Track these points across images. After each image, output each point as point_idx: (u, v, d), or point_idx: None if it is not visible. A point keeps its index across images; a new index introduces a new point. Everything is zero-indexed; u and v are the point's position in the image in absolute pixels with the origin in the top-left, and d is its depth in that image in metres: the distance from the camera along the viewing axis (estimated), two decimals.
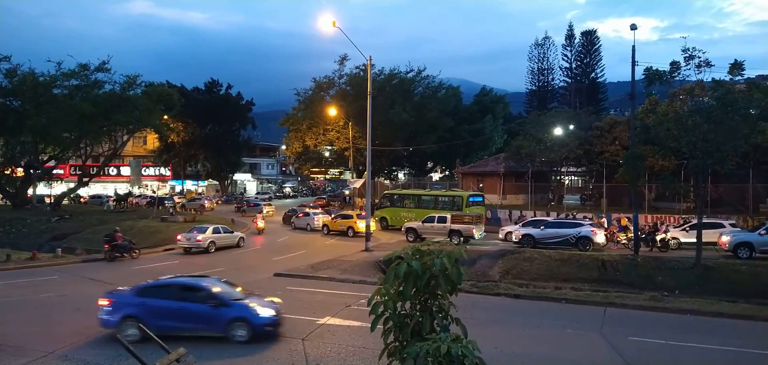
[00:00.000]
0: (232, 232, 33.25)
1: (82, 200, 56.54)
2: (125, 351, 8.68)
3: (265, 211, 47.90)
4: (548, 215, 36.80)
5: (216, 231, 31.21)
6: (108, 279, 21.60)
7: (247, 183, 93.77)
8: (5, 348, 12.02)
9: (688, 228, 27.77)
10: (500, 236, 32.57)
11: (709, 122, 20.60)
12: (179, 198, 63.27)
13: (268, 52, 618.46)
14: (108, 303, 13.07)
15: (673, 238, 27.67)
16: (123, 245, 27.57)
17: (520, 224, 33.34)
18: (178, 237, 30.62)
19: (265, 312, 13.00)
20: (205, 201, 57.27)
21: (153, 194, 66.30)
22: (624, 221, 30.50)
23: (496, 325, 14.85)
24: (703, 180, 22.98)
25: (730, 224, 27.62)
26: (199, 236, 29.94)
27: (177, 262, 26.70)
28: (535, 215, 36.51)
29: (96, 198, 61.30)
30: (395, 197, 42.54)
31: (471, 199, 37.92)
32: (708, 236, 24.07)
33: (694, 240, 22.39)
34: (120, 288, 14.64)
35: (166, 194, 67.07)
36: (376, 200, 45.71)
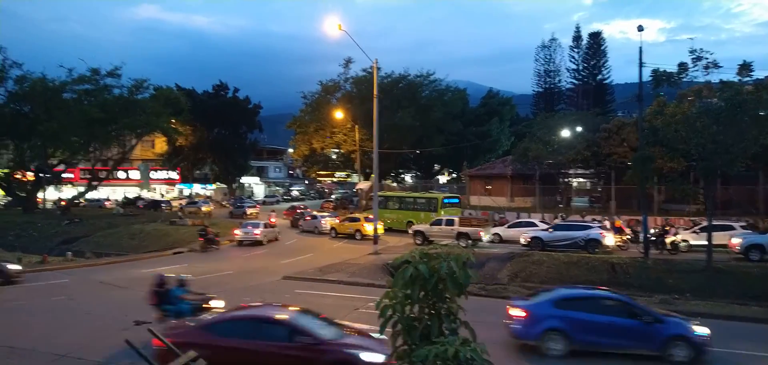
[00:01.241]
0: (275, 227, 37.86)
1: (63, 202, 55.52)
2: (136, 354, 8.72)
3: (248, 212, 50.61)
4: (556, 217, 37.00)
5: (265, 227, 35.88)
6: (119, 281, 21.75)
7: (255, 186, 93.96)
8: (18, 352, 12.14)
9: (698, 231, 27.58)
10: (486, 238, 32.92)
11: (718, 124, 20.46)
12: (177, 201, 63.38)
13: (274, 56, 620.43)
14: (525, 315, 12.75)
15: (683, 240, 27.49)
16: (211, 238, 32.41)
17: (506, 225, 34.39)
18: (235, 232, 35.08)
19: (700, 329, 12.21)
20: (203, 206, 57.09)
21: (161, 198, 66.70)
22: (618, 224, 30.84)
23: (505, 329, 14.79)
24: (712, 182, 22.84)
25: (740, 227, 27.41)
26: (256, 231, 34.56)
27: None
28: (542, 218, 36.50)
29: (95, 202, 61.19)
30: (380, 199, 43.12)
31: (446, 200, 40.24)
32: (718, 238, 23.88)
33: (704, 242, 22.25)
34: (530, 299, 14.01)
35: (165, 198, 67.15)
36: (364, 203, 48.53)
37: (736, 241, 24.41)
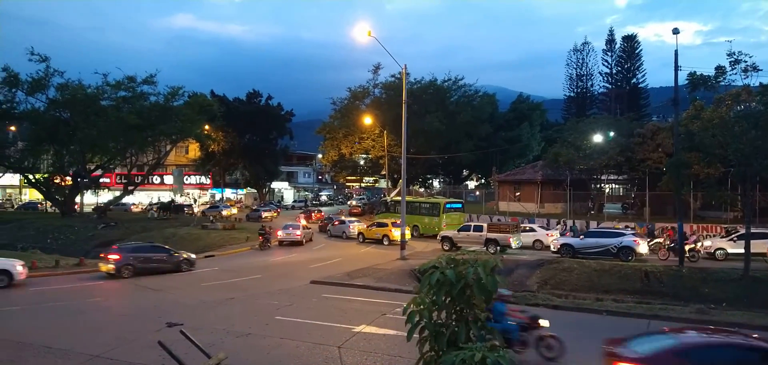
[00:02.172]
0: (309, 229, 41.58)
1: (76, 205, 55.56)
2: (168, 355, 8.90)
3: (264, 216, 54.49)
4: (558, 223, 37.22)
5: (304, 228, 39.23)
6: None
7: (285, 192, 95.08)
8: (54, 351, 12.50)
9: (735, 238, 26.82)
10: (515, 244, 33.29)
11: (757, 128, 19.84)
12: (198, 207, 64.23)
13: (305, 63, 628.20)
14: None
15: (719, 249, 26.84)
16: (268, 237, 35.78)
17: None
18: (278, 232, 37.72)
19: None
20: (223, 210, 58.06)
21: (185, 203, 67.92)
22: (514, 219, 33.78)
23: None
24: (750, 188, 22.14)
25: None
26: (297, 232, 37.39)
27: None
28: (574, 224, 36.01)
29: (120, 206, 62.08)
30: (389, 203, 47.23)
31: (448, 206, 41.42)
32: (756, 246, 23.19)
33: (742, 251, 21.58)
34: None
35: (186, 203, 67.84)
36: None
37: None
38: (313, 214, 55.16)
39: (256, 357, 12.20)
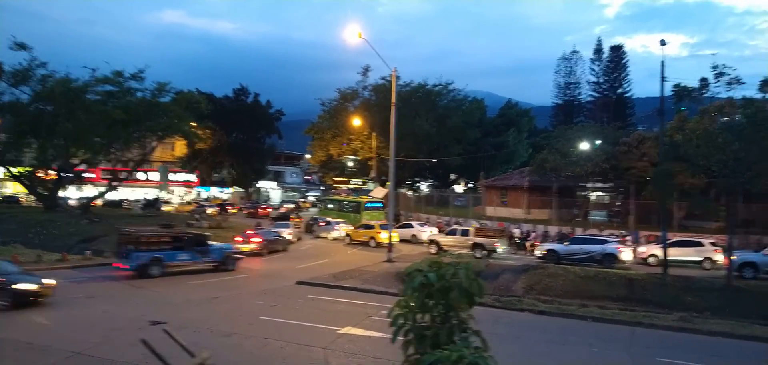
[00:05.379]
0: (299, 228, 43.40)
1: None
2: (150, 352, 8.80)
3: (207, 211, 53.29)
4: (573, 231, 36.82)
5: (295, 227, 40.96)
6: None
7: (271, 191, 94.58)
8: (35, 347, 12.34)
9: (662, 246, 28.15)
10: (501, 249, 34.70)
11: (740, 141, 20.13)
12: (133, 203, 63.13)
13: (295, 62, 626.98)
14: None
15: (651, 255, 27.74)
16: None
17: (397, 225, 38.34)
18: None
19: None
20: (161, 206, 57.99)
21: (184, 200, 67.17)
22: (501, 225, 36.76)
23: (519, 341, 14.68)
24: (733, 199, 22.47)
25: (709, 243, 27.30)
26: (287, 231, 37.52)
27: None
28: (557, 229, 36.18)
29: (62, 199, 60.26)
30: (325, 201, 54.44)
31: (368, 205, 45.62)
32: (689, 254, 25.98)
33: (673, 258, 23.44)
34: None
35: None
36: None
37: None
38: (259, 209, 56.07)
39: (240, 358, 12.12)
